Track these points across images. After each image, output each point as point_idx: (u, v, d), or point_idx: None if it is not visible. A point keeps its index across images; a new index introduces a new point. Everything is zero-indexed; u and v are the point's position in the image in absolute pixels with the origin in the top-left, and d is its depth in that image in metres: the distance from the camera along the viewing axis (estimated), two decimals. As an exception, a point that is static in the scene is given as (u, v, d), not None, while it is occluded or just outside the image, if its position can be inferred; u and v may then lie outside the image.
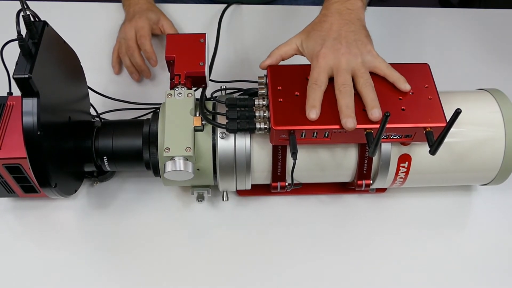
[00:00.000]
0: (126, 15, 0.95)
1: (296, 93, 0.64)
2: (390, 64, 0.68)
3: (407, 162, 0.68)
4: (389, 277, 0.71)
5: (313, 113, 0.61)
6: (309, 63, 0.67)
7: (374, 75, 0.65)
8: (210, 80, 0.75)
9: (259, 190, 0.75)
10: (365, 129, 0.62)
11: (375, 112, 0.60)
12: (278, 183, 0.69)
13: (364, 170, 0.69)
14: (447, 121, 0.57)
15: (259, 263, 0.71)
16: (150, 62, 0.89)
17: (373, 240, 0.74)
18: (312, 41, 0.66)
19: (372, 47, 0.65)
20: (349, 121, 0.60)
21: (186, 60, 0.69)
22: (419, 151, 0.67)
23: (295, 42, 0.69)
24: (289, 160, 0.67)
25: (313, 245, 0.73)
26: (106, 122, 0.74)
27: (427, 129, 0.62)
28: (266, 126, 0.63)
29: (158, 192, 0.77)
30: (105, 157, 0.70)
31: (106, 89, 0.84)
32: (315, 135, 0.62)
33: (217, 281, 0.70)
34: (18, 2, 0.57)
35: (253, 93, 0.71)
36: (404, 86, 0.63)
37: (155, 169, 0.69)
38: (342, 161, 0.68)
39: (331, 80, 0.65)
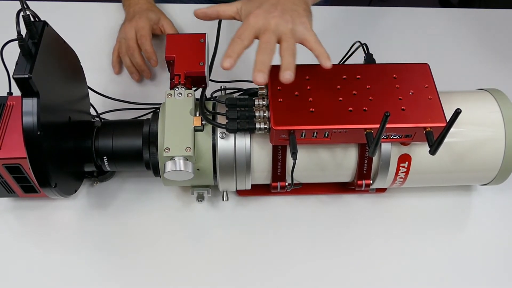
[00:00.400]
0: (126, 15, 0.94)
1: (295, 93, 0.64)
2: (389, 64, 0.68)
3: (407, 162, 0.68)
4: (389, 277, 0.71)
5: (227, 62, 0.61)
6: (309, 64, 0.67)
7: (380, 81, 0.65)
8: (210, 80, 0.75)
9: (259, 190, 0.75)
10: (365, 129, 0.62)
11: (286, 74, 0.59)
12: (278, 183, 0.69)
13: (364, 170, 0.69)
14: (447, 121, 0.57)
15: (259, 263, 0.71)
16: (150, 62, 0.89)
17: (373, 240, 0.74)
18: (250, 5, 0.66)
19: (307, 21, 0.64)
20: (259, 75, 0.59)
21: (186, 60, 0.70)
22: (419, 151, 0.67)
23: (235, 5, 0.68)
24: (289, 160, 0.67)
25: (313, 245, 0.73)
26: (106, 122, 0.74)
27: (427, 129, 0.62)
28: (266, 126, 0.63)
29: (158, 192, 0.77)
30: (105, 157, 0.70)
31: (106, 89, 0.84)
32: (315, 135, 0.62)
33: (217, 281, 0.70)
34: (18, 2, 0.57)
35: (253, 93, 0.71)
36: (325, 62, 0.62)
37: (155, 169, 0.69)
38: (342, 161, 0.68)
39: (331, 82, 0.65)
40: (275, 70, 0.67)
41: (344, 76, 0.66)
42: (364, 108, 0.63)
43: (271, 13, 0.63)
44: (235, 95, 0.72)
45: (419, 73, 0.67)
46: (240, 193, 0.77)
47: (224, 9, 0.69)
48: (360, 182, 0.70)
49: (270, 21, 0.63)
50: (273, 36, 0.62)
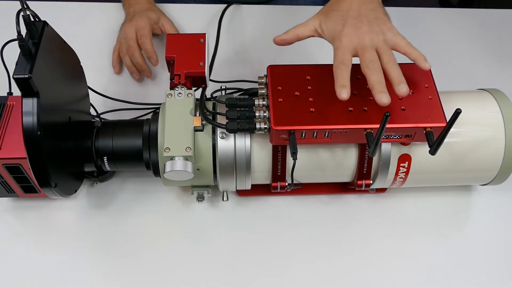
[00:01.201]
0: (126, 15, 0.95)
1: (296, 93, 0.64)
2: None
3: (407, 162, 0.68)
4: (389, 277, 0.71)
5: (344, 92, 0.59)
6: (309, 64, 0.67)
7: None
8: (210, 80, 0.75)
9: (259, 190, 0.75)
10: (365, 129, 0.62)
11: (402, 88, 0.59)
12: (278, 183, 0.69)
13: (364, 170, 0.69)
14: (447, 121, 0.57)
15: (259, 263, 0.71)
16: (151, 62, 0.89)
17: (373, 240, 0.74)
18: (332, 21, 0.65)
19: (392, 25, 0.64)
20: (383, 96, 0.58)
21: (186, 60, 0.69)
22: (419, 151, 0.67)
23: (312, 24, 0.67)
24: (289, 160, 0.67)
25: (313, 245, 0.73)
26: (106, 122, 0.74)
27: (427, 129, 0.62)
28: (266, 126, 0.63)
29: (158, 192, 0.77)
30: (105, 157, 0.70)
31: (106, 89, 0.85)
32: (315, 135, 0.62)
33: (217, 281, 0.70)
34: (18, 2, 0.57)
35: (253, 93, 0.71)
36: (424, 64, 0.62)
37: (155, 169, 0.69)
38: (342, 161, 0.68)
39: (331, 82, 0.65)
40: (276, 70, 0.67)
41: (344, 76, 0.66)
42: (364, 108, 0.63)
43: (360, 28, 0.63)
44: (235, 95, 0.72)
45: (419, 73, 0.67)
46: (240, 193, 0.77)
47: (302, 31, 0.67)
48: (360, 182, 0.70)
49: (364, 38, 0.62)
50: (373, 52, 0.62)
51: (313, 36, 0.68)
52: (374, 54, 0.62)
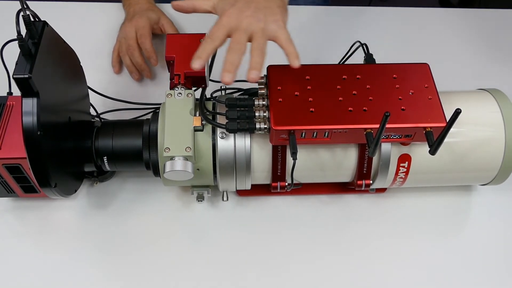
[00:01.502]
0: (126, 15, 0.95)
1: (296, 93, 0.64)
2: (389, 64, 0.68)
3: (407, 162, 0.68)
4: (389, 277, 0.71)
5: (196, 63, 0.61)
6: (309, 64, 0.67)
7: (380, 81, 0.66)
8: (210, 80, 0.75)
9: (259, 190, 0.75)
10: (365, 129, 0.62)
11: (252, 73, 0.60)
12: (278, 183, 0.69)
13: (364, 170, 0.69)
14: (447, 121, 0.57)
15: (259, 263, 0.72)
16: (150, 61, 0.89)
17: (373, 240, 0.74)
18: (226, 1, 0.66)
19: (280, 18, 0.65)
20: (227, 75, 0.59)
21: (186, 60, 0.69)
22: (419, 151, 0.67)
23: (212, 0, 0.68)
24: (289, 160, 0.67)
25: (313, 245, 0.73)
26: (106, 122, 0.74)
27: (427, 129, 0.62)
28: (266, 126, 0.63)
29: (158, 192, 0.77)
30: (105, 157, 0.70)
31: (106, 89, 0.84)
32: (315, 135, 0.62)
33: (217, 281, 0.70)
34: (18, 2, 0.57)
35: (253, 93, 0.72)
36: (293, 62, 0.62)
37: (155, 169, 0.69)
38: (342, 161, 0.68)
39: (331, 82, 0.65)
40: (273, 70, 0.67)
41: (344, 76, 0.66)
42: (364, 108, 0.63)
43: (243, 12, 0.63)
44: (235, 95, 0.72)
45: (419, 73, 0.67)
46: (240, 193, 0.77)
47: (200, 4, 0.68)
48: (360, 182, 0.70)
49: (243, 21, 0.63)
50: (244, 35, 0.62)
51: (210, 12, 0.69)
52: (243, 37, 0.62)
